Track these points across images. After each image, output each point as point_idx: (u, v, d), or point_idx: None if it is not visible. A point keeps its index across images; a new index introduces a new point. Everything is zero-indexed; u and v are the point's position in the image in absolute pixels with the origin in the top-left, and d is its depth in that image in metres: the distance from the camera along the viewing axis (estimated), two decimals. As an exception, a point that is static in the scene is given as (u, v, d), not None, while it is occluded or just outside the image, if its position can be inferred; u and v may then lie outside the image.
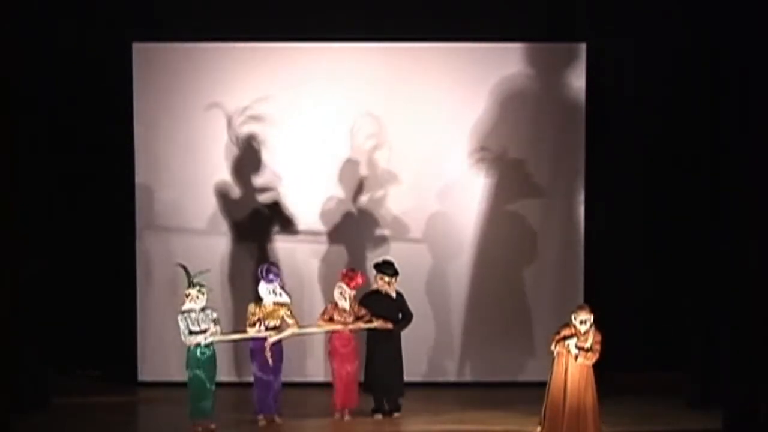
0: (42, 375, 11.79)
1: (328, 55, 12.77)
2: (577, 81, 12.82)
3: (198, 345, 10.81)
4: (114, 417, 11.57)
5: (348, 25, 12.69)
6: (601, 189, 12.88)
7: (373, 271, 11.71)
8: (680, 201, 12.58)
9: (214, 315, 10.95)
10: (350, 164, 12.86)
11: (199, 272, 11.00)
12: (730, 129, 11.17)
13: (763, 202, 10.37)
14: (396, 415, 11.58)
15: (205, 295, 10.89)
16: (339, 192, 12.86)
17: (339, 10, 12.68)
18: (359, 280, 11.45)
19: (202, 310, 10.85)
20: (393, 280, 11.53)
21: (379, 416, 11.56)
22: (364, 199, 12.87)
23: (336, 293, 11.39)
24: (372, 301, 11.52)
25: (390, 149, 12.81)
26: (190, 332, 10.80)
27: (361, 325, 11.41)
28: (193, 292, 10.82)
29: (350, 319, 11.36)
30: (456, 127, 12.81)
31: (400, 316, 11.59)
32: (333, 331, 11.39)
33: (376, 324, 11.40)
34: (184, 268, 10.97)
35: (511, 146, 12.85)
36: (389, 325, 11.46)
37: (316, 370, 12.69)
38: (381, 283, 11.55)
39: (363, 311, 11.43)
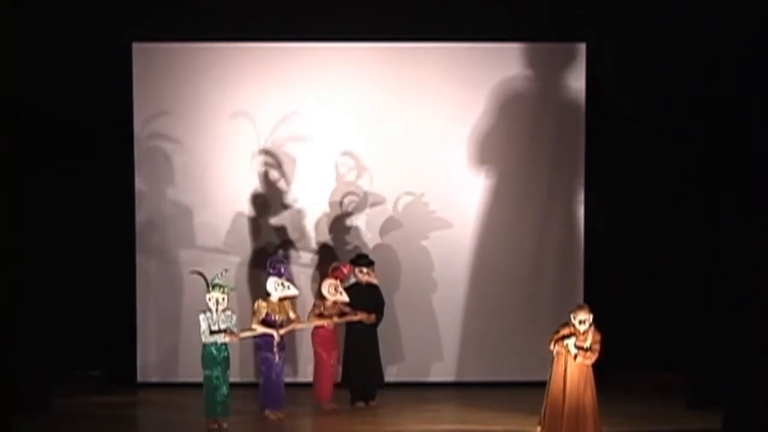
0: (42, 375, 11.78)
1: (329, 56, 12.77)
2: (577, 81, 12.82)
3: (215, 344, 10.89)
4: (114, 417, 11.56)
5: (348, 25, 12.69)
6: (601, 189, 12.88)
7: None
8: (680, 201, 12.58)
9: (234, 318, 11.02)
10: (350, 164, 12.86)
11: (218, 274, 11.01)
12: (729, 129, 11.16)
13: (763, 201, 10.35)
14: (371, 403, 11.82)
15: (228, 295, 10.96)
16: (339, 191, 12.86)
17: (339, 10, 12.68)
18: (345, 270, 11.82)
19: (223, 311, 10.92)
20: (370, 270, 11.89)
21: (361, 404, 11.81)
22: (363, 199, 12.87)
23: (330, 289, 11.62)
24: (355, 294, 11.78)
25: (389, 149, 12.81)
26: (211, 332, 10.88)
27: (348, 317, 11.73)
28: (217, 295, 10.88)
29: (336, 311, 11.71)
30: (456, 127, 12.80)
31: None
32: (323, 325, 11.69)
33: (360, 317, 11.73)
34: (201, 274, 11.01)
35: (511, 146, 12.85)
36: (372, 318, 11.79)
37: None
38: (360, 275, 11.89)
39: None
